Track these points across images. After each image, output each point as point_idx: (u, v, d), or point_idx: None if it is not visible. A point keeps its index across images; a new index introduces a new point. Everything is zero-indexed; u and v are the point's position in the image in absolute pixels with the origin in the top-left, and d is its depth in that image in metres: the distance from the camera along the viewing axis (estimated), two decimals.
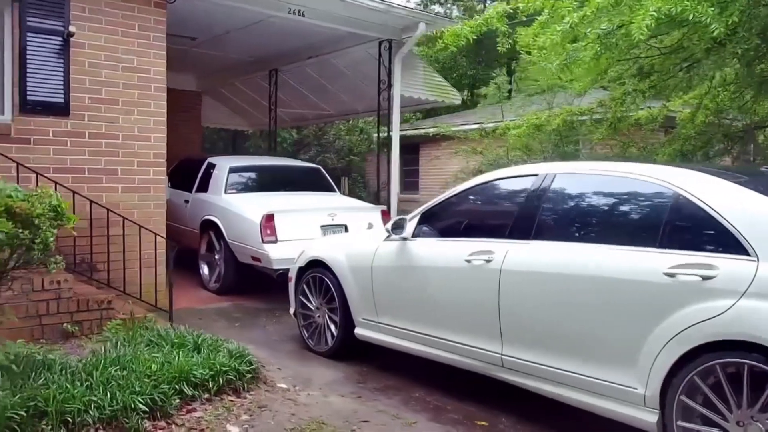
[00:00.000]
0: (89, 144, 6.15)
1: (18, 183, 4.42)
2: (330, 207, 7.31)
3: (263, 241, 6.69)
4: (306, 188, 8.24)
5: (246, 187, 7.84)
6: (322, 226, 7.03)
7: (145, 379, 3.61)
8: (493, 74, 20.07)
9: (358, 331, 4.93)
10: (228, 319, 6.43)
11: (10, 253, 3.35)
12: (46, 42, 5.86)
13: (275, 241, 6.72)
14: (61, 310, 5.02)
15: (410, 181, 17.92)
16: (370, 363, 5.01)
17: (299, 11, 7.59)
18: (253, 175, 8.17)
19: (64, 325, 4.99)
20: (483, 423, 3.86)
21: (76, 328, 5.04)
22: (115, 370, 3.65)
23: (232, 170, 7.83)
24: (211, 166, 8.07)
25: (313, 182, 8.41)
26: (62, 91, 5.99)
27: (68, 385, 3.37)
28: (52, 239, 3.55)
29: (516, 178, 4.09)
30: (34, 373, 3.48)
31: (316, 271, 5.30)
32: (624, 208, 3.52)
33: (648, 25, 4.60)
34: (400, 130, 17.95)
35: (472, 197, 4.34)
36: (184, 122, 11.86)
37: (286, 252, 6.66)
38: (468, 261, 3.96)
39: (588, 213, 3.68)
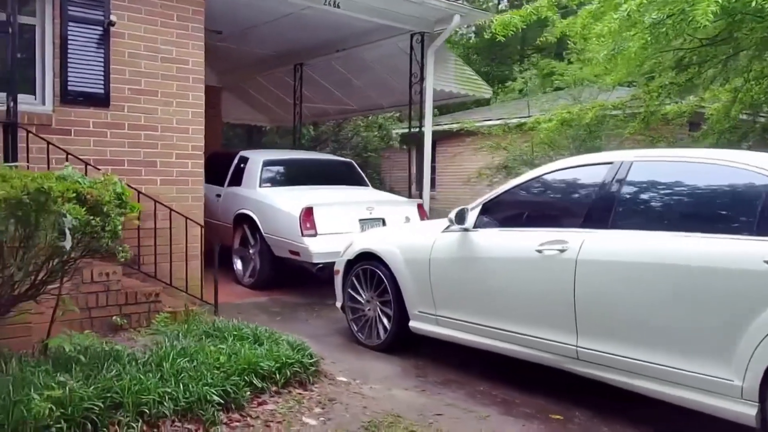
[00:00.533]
0: (128, 135, 6.06)
1: None
2: (367, 201, 7.22)
3: (303, 235, 6.59)
4: (339, 182, 8.14)
5: (280, 181, 7.74)
6: (361, 220, 6.94)
7: (215, 371, 3.51)
8: (506, 71, 20.00)
9: (412, 324, 4.83)
10: (268, 313, 6.34)
11: (77, 241, 3.25)
12: (86, 32, 5.77)
13: (315, 235, 6.62)
14: (110, 303, 4.94)
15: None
16: (423, 356, 4.91)
17: (335, 2, 7.49)
18: (286, 168, 8.07)
19: (114, 317, 4.90)
20: (557, 417, 3.76)
21: (125, 320, 4.97)
22: (185, 362, 3.55)
23: (266, 164, 7.74)
24: (244, 159, 7.97)
25: (346, 176, 8.31)
26: (102, 82, 5.90)
27: (141, 377, 3.27)
28: (120, 227, 3.46)
29: (587, 166, 3.99)
30: (106, 364, 3.38)
31: (367, 264, 5.20)
32: (713, 195, 3.41)
33: (714, 11, 4.50)
34: (416, 127, 17.91)
35: (538, 187, 4.24)
36: (207, 118, 11.73)
37: (325, 245, 6.58)
38: (539, 251, 3.86)
39: (673, 201, 3.58)
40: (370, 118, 15.03)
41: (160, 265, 5.62)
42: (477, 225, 4.38)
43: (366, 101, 11.81)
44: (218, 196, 8.01)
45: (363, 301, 5.25)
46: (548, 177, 4.17)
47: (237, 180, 7.87)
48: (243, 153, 8.21)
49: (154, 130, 6.20)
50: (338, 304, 5.60)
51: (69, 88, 5.71)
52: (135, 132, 6.09)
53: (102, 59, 5.88)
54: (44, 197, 3.00)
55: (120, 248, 3.53)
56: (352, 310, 5.37)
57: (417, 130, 9.07)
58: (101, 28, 5.84)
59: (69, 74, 5.70)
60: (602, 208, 3.70)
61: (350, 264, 5.40)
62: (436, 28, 8.43)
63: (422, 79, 8.58)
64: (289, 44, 10.09)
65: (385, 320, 5.05)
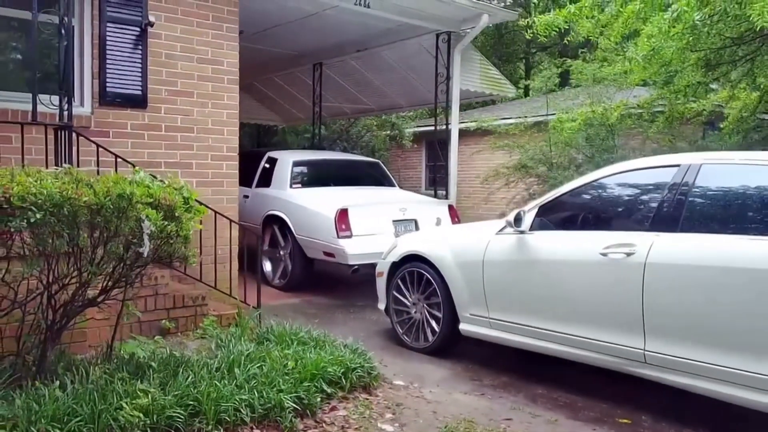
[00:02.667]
0: (165, 137, 6.02)
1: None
2: (400, 201, 7.20)
3: (338, 237, 6.56)
4: (368, 183, 8.11)
5: (310, 181, 7.71)
6: (395, 221, 6.92)
7: (285, 377, 3.49)
8: (510, 70, 19.96)
9: (463, 326, 4.81)
10: (304, 315, 6.30)
11: (154, 248, 3.22)
12: (125, 32, 5.73)
13: (350, 236, 6.60)
14: (158, 307, 4.91)
15: (436, 176, 17.78)
16: (471, 359, 4.90)
17: (365, 2, 7.45)
18: (316, 169, 8.04)
19: (162, 321, 4.87)
20: (625, 420, 3.76)
21: (173, 324, 4.93)
22: (255, 367, 3.52)
23: (296, 164, 7.70)
24: (272, 160, 7.94)
25: (375, 176, 8.29)
26: (140, 83, 5.86)
27: (217, 383, 3.24)
28: (191, 232, 3.43)
29: (653, 169, 3.97)
30: (179, 370, 3.35)
31: (414, 266, 5.18)
32: None
33: None
34: (428, 126, 17.85)
35: (599, 189, 4.22)
36: None
37: (361, 247, 6.56)
38: (604, 254, 3.84)
39: (744, 204, 3.56)
40: (383, 117, 14.96)
41: (205, 267, 5.58)
42: (533, 227, 4.36)
43: (384, 101, 11.78)
44: (246, 197, 7.97)
45: (409, 304, 5.23)
46: (610, 179, 4.15)
47: (265, 181, 7.84)
48: (270, 153, 8.17)
49: (190, 132, 6.16)
50: (381, 307, 5.58)
51: (107, 89, 5.67)
52: (172, 134, 6.05)
53: (140, 60, 5.84)
54: (126, 203, 2.97)
55: (190, 253, 3.49)
56: (397, 313, 5.35)
57: (443, 128, 9.00)
58: (139, 29, 5.79)
59: (107, 75, 5.65)
60: (671, 211, 3.68)
61: (395, 266, 5.37)
62: (463, 27, 8.39)
63: (448, 78, 8.54)
64: (309, 44, 10.05)
65: (433, 323, 5.03)
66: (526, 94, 16.93)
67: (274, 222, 7.46)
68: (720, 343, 3.38)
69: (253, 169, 8.07)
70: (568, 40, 7.67)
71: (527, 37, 6.51)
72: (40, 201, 2.77)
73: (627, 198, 4.16)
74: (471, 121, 12.70)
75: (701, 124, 10.21)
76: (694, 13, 5.05)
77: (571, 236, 4.18)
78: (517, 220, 4.33)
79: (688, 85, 8.31)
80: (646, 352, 3.67)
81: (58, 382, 3.02)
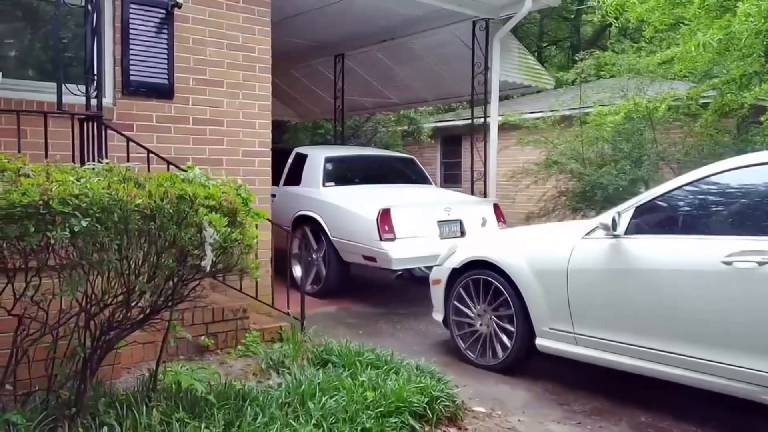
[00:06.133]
0: (193, 131, 5.47)
1: None
2: (444, 201, 6.66)
3: (381, 239, 6.00)
4: (404, 180, 7.56)
5: (344, 179, 7.14)
6: (439, 222, 6.36)
7: (368, 411, 2.93)
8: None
9: (540, 342, 4.26)
10: (346, 326, 5.75)
11: (216, 259, 2.66)
12: (149, 15, 5.17)
13: (393, 239, 6.04)
14: (195, 321, 4.34)
15: (451, 173, 17.23)
16: (549, 378, 4.35)
17: None
18: (349, 166, 7.48)
19: (201, 337, 4.31)
20: None
21: (212, 341, 4.38)
22: (330, 400, 2.96)
23: (328, 160, 7.13)
24: (301, 157, 7.37)
25: (410, 174, 7.73)
26: (166, 71, 5.30)
27: (292, 422, 2.68)
28: (255, 240, 2.88)
29: None
30: (243, 406, 2.79)
31: (479, 273, 4.62)
32: None
33: None
34: (445, 121, 17.30)
35: (710, 187, 3.66)
36: None
37: (405, 250, 6.02)
38: (727, 263, 3.29)
39: None
40: (402, 111, 14.40)
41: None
42: (629, 231, 3.81)
43: (408, 94, 11.21)
44: (273, 196, 7.40)
45: (473, 315, 4.68)
46: (724, 176, 3.58)
47: (295, 179, 7.26)
48: (299, 150, 7.60)
49: (220, 125, 5.61)
50: (438, 318, 5.03)
51: (131, 78, 5.11)
52: (200, 127, 5.49)
53: (165, 46, 5.28)
54: (188, 206, 2.41)
55: (253, 264, 2.93)
56: (459, 325, 4.80)
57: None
58: (164, 11, 5.23)
59: (131, 62, 5.09)
60: None
61: (455, 273, 4.82)
62: (501, 13, 7.84)
63: (486, 68, 7.98)
64: (331, 34, 9.48)
65: (503, 337, 4.48)
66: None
67: (305, 223, 6.90)
68: None
69: (280, 166, 7.49)
70: (617, 26, 7.13)
71: (596, 19, 5.98)
72: (84, 205, 2.21)
73: (750, 198, 3.59)
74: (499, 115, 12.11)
75: (743, 117, 9.68)
76: None
77: (680, 241, 3.62)
78: (614, 222, 3.77)
79: (744, 74, 7.76)
80: None
81: (105, 429, 2.45)
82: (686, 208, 3.78)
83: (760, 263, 3.18)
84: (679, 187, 3.74)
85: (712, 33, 5.37)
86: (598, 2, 5.87)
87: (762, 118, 8.68)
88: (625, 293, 3.77)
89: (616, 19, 5.52)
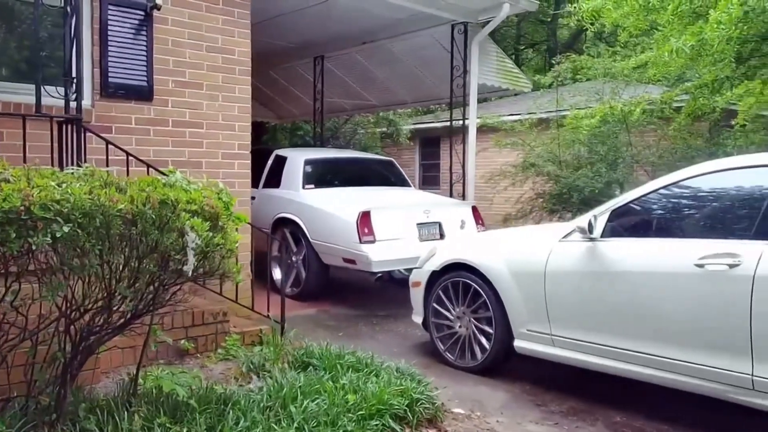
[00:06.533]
0: (173, 133, 5.44)
1: None
2: (423, 203, 6.69)
3: (360, 242, 6.02)
4: (383, 183, 7.60)
5: (324, 182, 7.15)
6: (419, 224, 6.41)
7: (349, 414, 2.95)
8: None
9: (518, 343, 4.32)
10: (325, 329, 5.77)
11: (199, 264, 2.67)
12: (128, 17, 5.14)
13: (373, 241, 6.07)
14: (175, 325, 4.33)
15: (430, 175, 17.30)
16: (526, 379, 4.42)
17: None
18: (329, 168, 7.49)
19: (181, 341, 4.30)
20: None
21: (192, 345, 4.37)
22: (311, 404, 2.98)
23: (308, 163, 7.14)
24: (281, 159, 7.36)
25: (389, 176, 7.77)
26: (145, 73, 5.27)
27: (274, 426, 2.70)
28: (237, 244, 2.89)
29: (749, 168, 3.50)
30: (224, 410, 2.80)
31: (458, 275, 4.67)
32: None
33: None
34: (424, 123, 17.38)
35: (684, 191, 3.74)
36: None
37: (385, 253, 6.06)
38: (699, 266, 3.37)
39: None
40: (381, 114, 14.43)
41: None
42: (605, 234, 3.88)
43: (388, 96, 11.24)
44: (252, 198, 7.39)
45: (452, 317, 4.73)
46: (698, 180, 3.67)
47: (274, 181, 7.26)
48: (278, 152, 7.60)
49: (199, 127, 5.59)
50: (418, 320, 5.07)
51: (110, 80, 5.07)
52: (179, 129, 5.48)
53: (144, 48, 5.25)
54: (170, 211, 2.41)
55: (235, 269, 2.94)
56: (438, 327, 4.84)
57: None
58: (143, 13, 5.20)
59: (110, 64, 5.06)
60: None
61: (435, 275, 4.87)
62: (480, 17, 7.91)
63: (465, 72, 8.05)
64: (311, 36, 9.49)
65: (482, 339, 4.53)
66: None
67: (284, 225, 6.90)
68: None
69: (259, 168, 7.48)
70: (592, 30, 7.24)
71: (572, 23, 6.07)
72: (66, 210, 2.21)
73: (722, 202, 3.68)
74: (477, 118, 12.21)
75: (714, 121, 9.87)
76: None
77: (655, 244, 3.70)
78: (590, 225, 3.84)
79: (715, 79, 7.93)
80: (754, 378, 3.21)
81: None
82: (660, 212, 3.87)
83: (731, 266, 3.27)
84: (654, 191, 3.82)
85: (685, 39, 5.48)
86: (575, 7, 5.96)
87: (733, 122, 8.88)
88: (601, 295, 3.84)
89: (592, 24, 5.63)
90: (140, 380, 3.17)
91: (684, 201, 3.79)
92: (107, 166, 4.37)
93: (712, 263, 3.34)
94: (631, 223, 3.90)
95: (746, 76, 7.98)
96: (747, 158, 3.63)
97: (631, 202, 3.88)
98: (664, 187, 3.79)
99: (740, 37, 5.40)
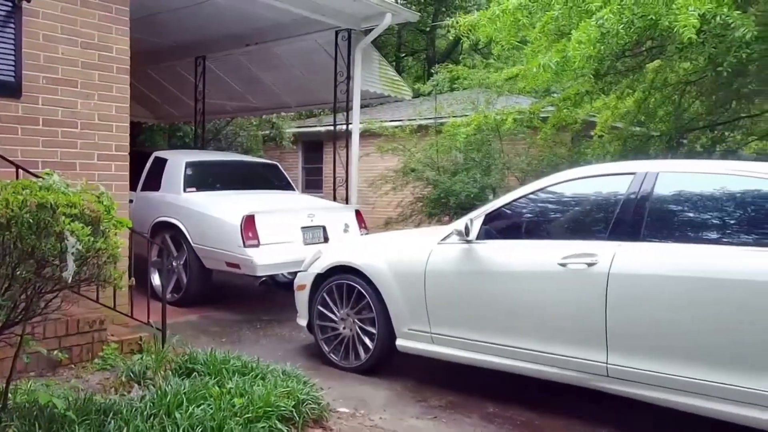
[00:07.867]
0: (43, 133, 5.17)
1: None
2: (307, 207, 6.75)
3: (245, 246, 5.99)
4: (267, 186, 7.57)
5: (207, 185, 7.01)
6: (303, 228, 6.46)
7: (236, 418, 2.98)
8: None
9: (400, 343, 4.50)
10: (209, 335, 5.69)
11: (78, 270, 2.59)
12: None
13: (257, 245, 6.05)
14: (48, 335, 4.13)
15: (313, 179, 17.34)
16: (407, 377, 4.60)
17: None
18: (211, 171, 7.35)
19: (54, 352, 4.09)
20: None
21: (66, 355, 4.17)
22: (197, 409, 2.97)
23: (189, 165, 6.98)
24: (161, 161, 7.15)
25: (273, 179, 7.75)
26: (13, 68, 4.98)
27: None
28: (120, 249, 2.83)
29: (608, 176, 3.89)
30: (105, 420, 2.73)
31: (342, 278, 4.79)
32: (748, 206, 3.43)
33: (694, 24, 4.61)
34: (307, 126, 17.40)
35: (549, 197, 4.08)
36: None
37: (270, 257, 6.07)
38: (563, 264, 3.69)
39: (705, 213, 3.56)
40: (264, 116, 14.29)
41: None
42: (479, 236, 4.14)
43: (272, 99, 11.18)
44: (130, 201, 7.12)
45: (337, 319, 4.83)
46: (562, 187, 4.02)
47: (154, 184, 7.04)
48: (158, 153, 7.37)
49: (73, 127, 5.34)
50: (303, 323, 5.13)
51: None
52: (51, 128, 5.20)
53: (12, 41, 4.95)
54: (48, 215, 2.34)
55: (116, 275, 2.87)
56: (323, 329, 4.93)
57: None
58: (11, 4, 4.91)
59: None
60: (631, 220, 3.60)
61: (319, 278, 4.95)
62: (363, 25, 8.10)
63: (349, 78, 8.20)
64: (193, 35, 9.28)
65: (366, 339, 4.67)
66: None
67: (165, 229, 6.71)
68: (684, 354, 3.33)
69: (136, 170, 7.22)
70: (468, 44, 7.64)
71: (450, 37, 6.35)
72: None
73: (582, 206, 4.05)
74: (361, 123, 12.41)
75: (576, 132, 10.68)
76: (616, 23, 5.13)
77: (524, 246, 4.01)
78: (466, 228, 4.08)
79: (577, 93, 8.60)
80: (608, 366, 3.57)
81: None
82: (529, 215, 4.19)
83: (589, 264, 3.61)
84: (523, 196, 4.13)
85: (551, 55, 5.92)
86: (453, 21, 6.27)
87: (592, 133, 9.66)
88: (476, 294, 4.10)
89: (468, 37, 5.96)
90: (9, 395, 3.02)
91: (550, 205, 4.13)
92: None
93: (573, 262, 3.67)
94: (504, 225, 4.18)
95: (603, 90, 8.73)
96: (599, 167, 4.04)
97: (503, 206, 4.17)
98: (532, 193, 4.11)
99: (598, 55, 5.89)
